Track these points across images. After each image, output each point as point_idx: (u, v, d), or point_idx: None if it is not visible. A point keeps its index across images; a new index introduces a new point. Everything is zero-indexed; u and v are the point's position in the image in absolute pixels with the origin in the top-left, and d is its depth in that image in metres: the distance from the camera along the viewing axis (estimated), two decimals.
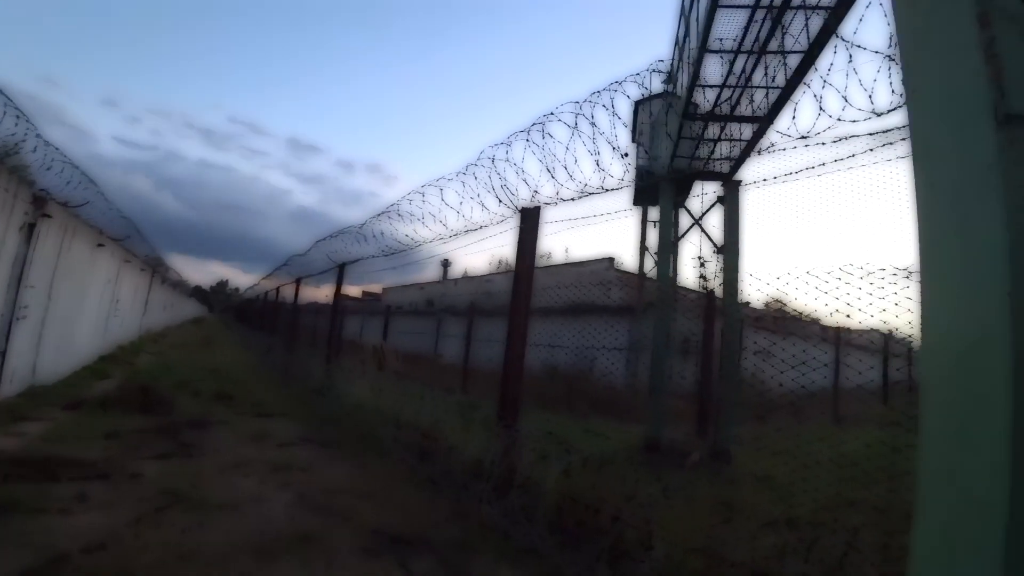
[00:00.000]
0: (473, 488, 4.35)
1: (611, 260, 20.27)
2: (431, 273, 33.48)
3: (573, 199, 4.98)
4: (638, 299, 14.76)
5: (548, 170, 4.73)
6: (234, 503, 4.22)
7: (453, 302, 28.20)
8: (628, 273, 19.89)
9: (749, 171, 7.23)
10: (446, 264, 32.60)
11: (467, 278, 30.84)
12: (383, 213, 7.17)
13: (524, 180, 4.74)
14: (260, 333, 23.42)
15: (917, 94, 1.05)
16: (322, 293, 16.56)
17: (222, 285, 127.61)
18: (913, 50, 1.08)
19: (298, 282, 14.94)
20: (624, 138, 5.00)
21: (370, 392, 7.35)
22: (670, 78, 7.12)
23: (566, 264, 22.83)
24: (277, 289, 19.74)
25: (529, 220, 4.60)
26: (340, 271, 10.34)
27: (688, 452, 6.54)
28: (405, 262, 9.08)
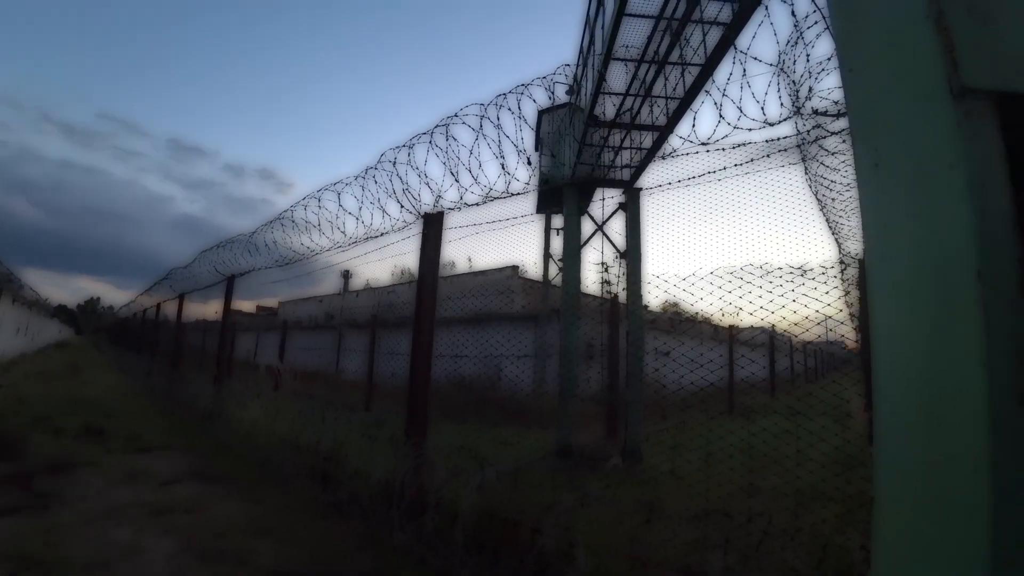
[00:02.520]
0: (383, 513, 4.06)
1: (515, 268, 20.43)
2: (331, 285, 32.08)
3: (478, 204, 4.86)
4: (543, 306, 14.94)
5: (452, 174, 4.57)
6: (103, 561, 3.63)
7: (355, 315, 27.17)
8: (532, 281, 20.15)
9: (650, 177, 7.49)
10: (347, 275, 31.40)
11: (369, 289, 29.84)
12: (276, 220, 6.65)
13: (427, 184, 4.55)
14: (139, 355, 21.22)
15: (855, 73, 1.00)
16: (210, 309, 15.28)
17: (92, 303, 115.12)
18: (849, 26, 1.03)
19: (181, 298, 13.65)
20: (529, 141, 4.97)
21: (265, 415, 6.76)
22: (573, 89, 7.23)
23: (470, 273, 22.77)
24: (158, 306, 17.98)
25: (432, 226, 4.41)
26: (229, 284, 9.52)
27: (601, 456, 6.60)
28: (302, 273, 8.53)
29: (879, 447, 0.90)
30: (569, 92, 7.16)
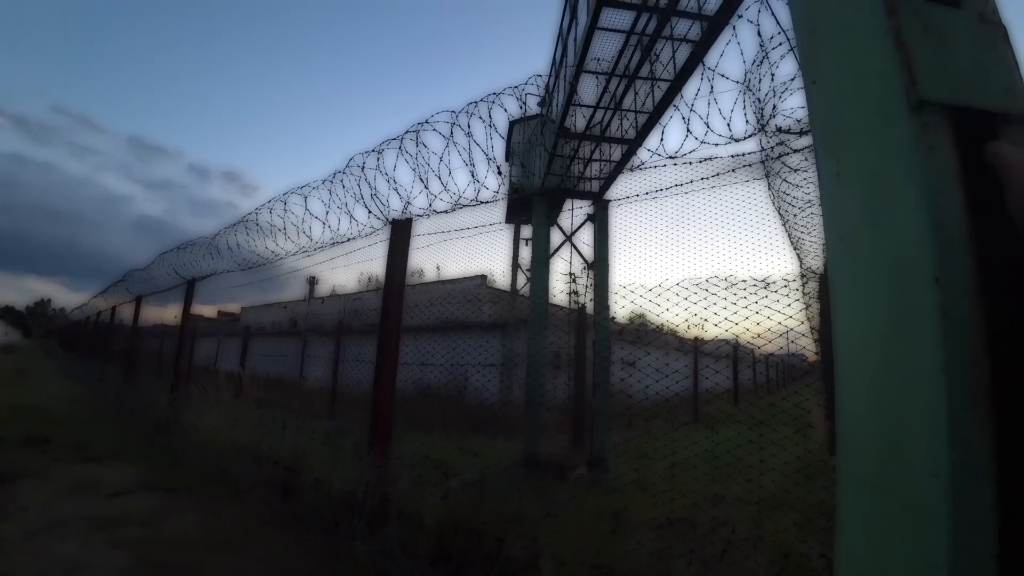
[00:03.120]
0: (344, 524, 3.96)
1: (483, 277, 20.42)
2: (296, 291, 31.50)
3: (447, 211, 4.83)
4: (510, 315, 14.95)
5: (422, 180, 4.54)
6: (47, 574, 3.44)
7: (320, 321, 26.71)
8: (500, 290, 20.15)
9: (619, 189, 7.59)
10: (312, 281, 30.85)
11: (335, 296, 29.39)
12: (240, 223, 6.48)
13: (396, 190, 4.50)
14: (91, 361, 20.38)
15: (818, 84, 1.03)
16: (169, 313, 14.81)
17: (42, 305, 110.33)
18: (812, 42, 1.06)
19: (138, 301, 13.19)
20: (500, 151, 4.98)
21: (224, 424, 6.55)
22: (545, 100, 7.29)
23: (438, 282, 22.66)
24: (113, 309, 17.33)
25: (401, 232, 4.36)
26: (189, 288, 9.23)
27: (566, 465, 6.59)
28: (266, 277, 8.34)
29: (841, 454, 0.91)
30: (541, 103, 7.23)
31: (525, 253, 15.03)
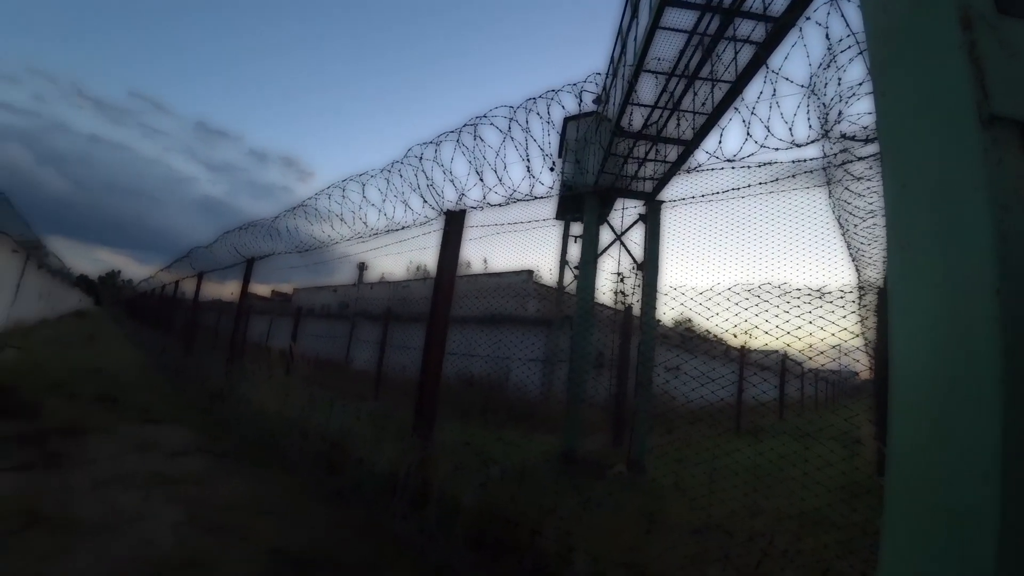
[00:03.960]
0: (385, 503, 4.10)
1: (531, 273, 20.48)
2: (346, 275, 32.36)
3: (501, 204, 4.90)
4: (556, 312, 14.96)
5: (477, 173, 4.62)
6: (110, 524, 3.71)
7: (368, 306, 27.37)
8: (547, 286, 20.16)
9: (673, 190, 7.50)
10: (362, 267, 31.63)
11: (384, 283, 30.05)
12: (299, 207, 6.74)
13: (452, 182, 4.60)
14: (155, 330, 21.56)
15: (887, 96, 1.03)
16: (227, 290, 15.49)
17: (112, 276, 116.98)
18: (884, 53, 1.06)
19: (200, 276, 13.87)
20: (555, 147, 5.00)
21: (275, 398, 6.85)
22: (602, 98, 7.26)
23: (485, 274, 22.87)
24: (176, 283, 18.26)
25: (454, 223, 4.45)
26: (248, 266, 9.65)
27: (604, 463, 6.60)
28: (319, 261, 8.63)
29: (892, 461, 0.92)
30: (597, 101, 7.20)
31: (574, 250, 15.00)
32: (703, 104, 5.47)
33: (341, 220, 5.71)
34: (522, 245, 6.62)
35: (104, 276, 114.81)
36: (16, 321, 19.51)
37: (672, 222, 7.52)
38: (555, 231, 15.46)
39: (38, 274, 22.98)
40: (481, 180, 4.69)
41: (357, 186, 5.32)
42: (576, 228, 15.31)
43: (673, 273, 8.63)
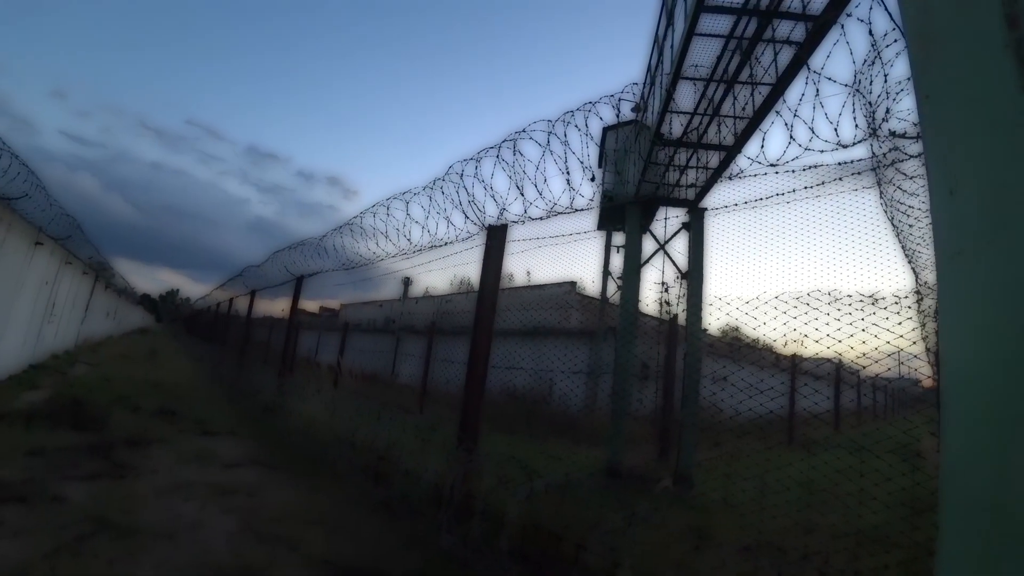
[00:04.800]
0: (431, 514, 4.15)
1: (572, 284, 20.38)
2: (390, 291, 32.96)
3: (542, 218, 4.92)
4: (599, 323, 14.83)
5: (518, 187, 4.66)
6: (170, 531, 3.89)
7: (413, 321, 27.78)
8: (589, 297, 20.01)
9: (716, 197, 7.38)
10: (407, 282, 32.12)
11: (428, 297, 30.49)
12: (345, 225, 6.95)
13: (492, 197, 4.66)
14: (210, 346, 22.48)
15: (931, 100, 1.00)
16: (277, 307, 16.04)
17: (171, 294, 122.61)
18: (926, 54, 1.03)
19: (252, 294, 14.40)
20: (594, 158, 4.99)
21: (324, 411, 7.04)
22: (640, 107, 7.23)
23: (527, 287, 22.90)
24: (230, 300, 19.01)
25: (496, 238, 4.50)
26: (298, 284, 9.98)
27: (651, 477, 6.48)
28: (364, 277, 8.84)
29: (945, 474, 0.89)
30: (635, 110, 7.16)
31: (616, 260, 14.89)
32: (743, 108, 5.37)
33: (386, 237, 5.85)
34: (564, 257, 6.62)
35: (164, 295, 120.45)
36: (86, 338, 20.69)
37: (716, 229, 7.39)
38: (597, 242, 15.39)
39: (105, 294, 24.33)
40: (522, 194, 4.73)
41: (401, 204, 5.45)
42: (619, 238, 15.19)
43: (719, 281, 8.47)
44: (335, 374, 12.69)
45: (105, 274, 22.26)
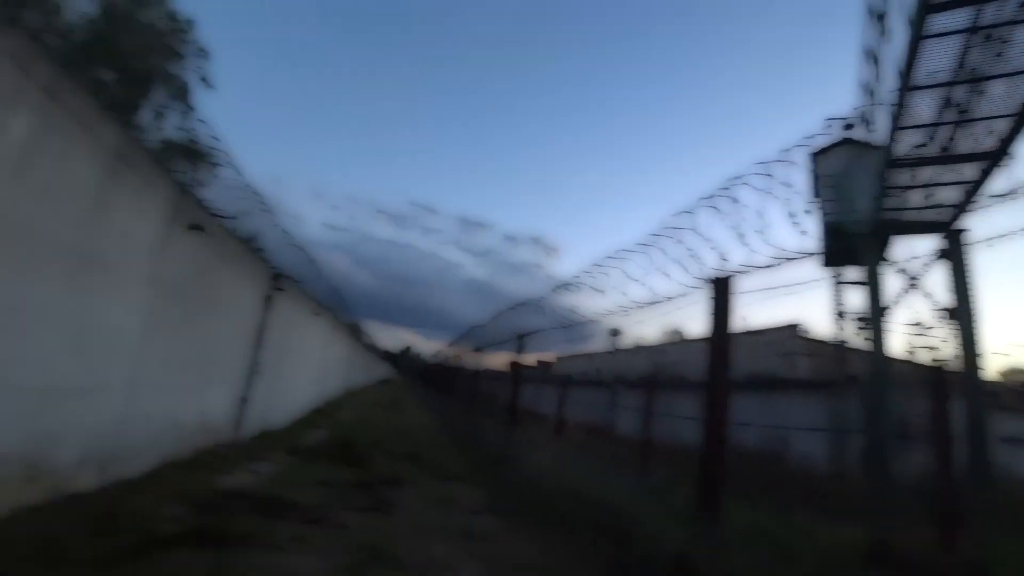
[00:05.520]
0: None
1: (794, 328, 18.35)
2: (599, 341, 33.20)
3: (768, 266, 4.62)
4: (838, 372, 13.00)
5: (739, 236, 4.48)
6: (426, 567, 4.31)
7: (624, 372, 27.50)
8: (816, 341, 17.77)
9: (981, 218, 6.18)
10: (615, 333, 32.14)
11: (638, 348, 30.05)
12: (564, 285, 7.33)
13: (712, 248, 4.54)
14: (441, 396, 24.90)
15: None
16: (499, 360, 17.29)
17: (407, 350, 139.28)
18: None
19: (479, 351, 15.73)
20: (805, 189, 4.58)
21: (551, 463, 7.28)
22: (858, 124, 6.46)
23: (743, 333, 21.23)
24: (458, 357, 21.00)
25: (721, 290, 4.34)
26: (520, 342, 10.66)
27: (932, 567, 5.33)
28: (580, 336, 9.09)
29: None
30: (850, 128, 6.40)
31: (850, 298, 13.18)
32: (1005, 105, 4.51)
33: (603, 295, 6.03)
34: (782, 298, 6.05)
35: (401, 350, 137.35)
36: (348, 387, 24.58)
37: (987, 256, 6.16)
38: (820, 280, 13.77)
39: (359, 351, 28.77)
40: (742, 242, 4.53)
41: (617, 262, 5.60)
42: (850, 274, 13.45)
43: (991, 318, 6.94)
44: (557, 426, 13.09)
45: (359, 334, 26.42)
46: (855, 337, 13.98)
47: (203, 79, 11.99)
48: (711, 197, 4.61)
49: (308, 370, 13.19)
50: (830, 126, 4.93)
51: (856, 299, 13.91)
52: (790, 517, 8.01)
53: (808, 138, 4.68)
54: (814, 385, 13.40)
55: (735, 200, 4.56)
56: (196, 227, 5.63)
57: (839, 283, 13.46)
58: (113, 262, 4.32)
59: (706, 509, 3.97)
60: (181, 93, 11.55)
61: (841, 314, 13.54)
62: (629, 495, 5.51)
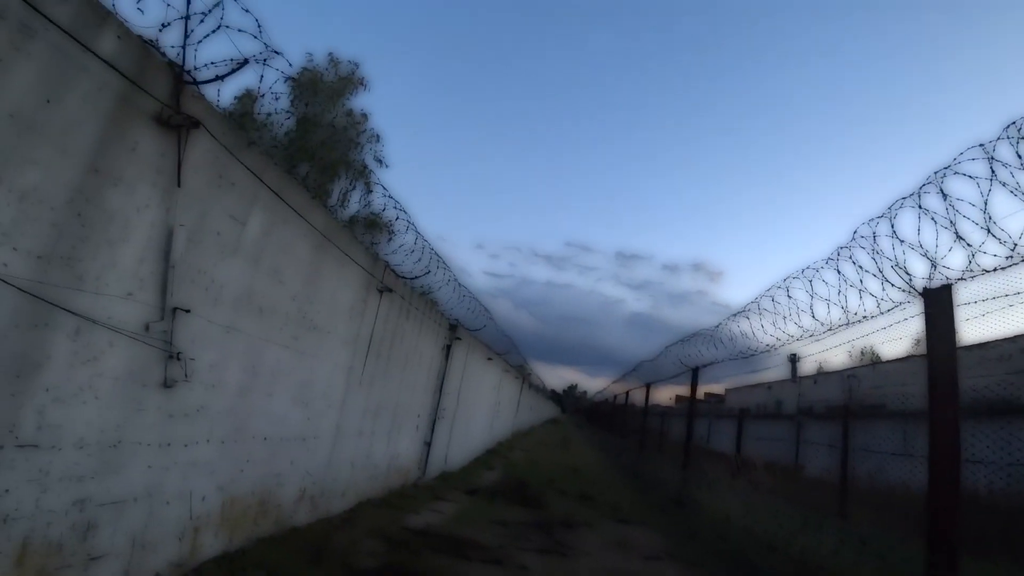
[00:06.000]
0: None
1: None
2: (775, 372, 29.95)
3: (1002, 268, 3.80)
4: None
5: (958, 236, 3.78)
6: None
7: (808, 403, 24.62)
8: None
9: None
10: (794, 359, 28.91)
11: (824, 374, 26.71)
12: (740, 312, 6.78)
13: (925, 255, 3.87)
14: (610, 435, 24.38)
15: None
16: (663, 395, 16.51)
17: (571, 388, 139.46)
18: None
19: (648, 387, 15.19)
20: None
21: (733, 506, 6.66)
22: None
23: (964, 347, 17.75)
24: (626, 394, 20.48)
25: (938, 303, 3.68)
26: (694, 375, 10.07)
27: None
28: (754, 364, 8.31)
29: None
30: None
31: None
32: None
33: (786, 320, 5.45)
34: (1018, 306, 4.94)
35: (566, 389, 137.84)
36: (517, 428, 25.15)
37: None
38: None
39: (527, 392, 29.41)
40: (961, 242, 3.79)
41: (803, 283, 5.02)
42: None
43: None
44: (735, 465, 12.05)
45: (527, 376, 27.06)
46: None
47: (378, 160, 13.80)
48: (911, 196, 3.95)
49: (482, 413, 13.79)
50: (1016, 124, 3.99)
51: None
52: None
53: (988, 143, 3.83)
54: None
55: (945, 196, 3.87)
56: (387, 289, 6.21)
57: None
58: (322, 325, 4.92)
59: (934, 571, 3.23)
60: (362, 174, 13.38)
61: None
62: (833, 548, 4.78)
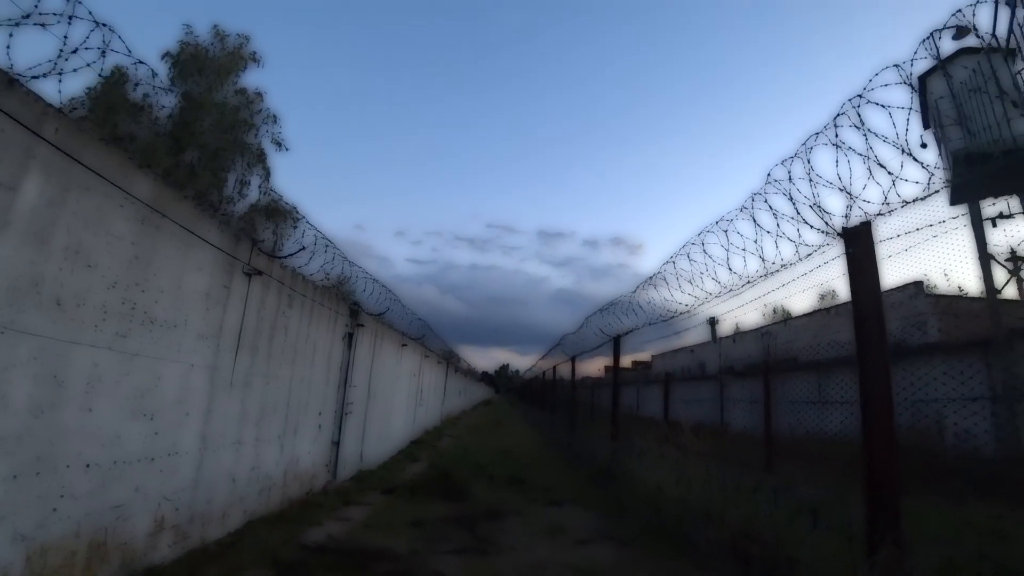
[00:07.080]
0: None
1: (918, 286, 15.94)
2: (696, 334, 30.99)
3: (881, 214, 3.56)
4: (994, 327, 10.98)
5: (870, 171, 3.50)
6: None
7: (728, 362, 25.57)
8: (947, 297, 15.40)
9: None
10: (713, 322, 29.91)
11: (741, 334, 27.84)
12: (656, 275, 6.46)
13: (843, 190, 3.55)
14: (541, 411, 24.27)
15: None
16: (593, 367, 16.41)
17: (503, 368, 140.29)
18: None
19: (573, 360, 14.97)
20: (916, 122, 3.37)
21: (664, 475, 6.37)
22: (968, 32, 5.15)
23: (843, 303, 18.91)
24: (553, 368, 20.32)
25: (859, 241, 3.39)
26: (616, 344, 9.82)
27: None
28: (676, 328, 8.13)
29: None
30: (958, 37, 5.07)
31: (995, 236, 11.37)
32: None
33: (702, 277, 5.12)
34: (899, 256, 4.79)
35: (498, 370, 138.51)
36: (447, 414, 24.50)
37: None
38: (949, 223, 11.87)
39: (455, 376, 28.78)
40: (872, 178, 3.53)
41: (717, 236, 4.67)
42: (990, 210, 11.58)
43: None
44: (663, 429, 12.04)
45: (453, 360, 26.41)
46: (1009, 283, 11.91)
47: (277, 142, 12.77)
48: (825, 130, 3.63)
49: (402, 403, 13.00)
50: (933, 38, 3.73)
51: (1005, 236, 11.86)
52: (968, 512, 6.61)
53: (905, 63, 3.57)
54: (962, 348, 11.43)
55: (862, 123, 3.57)
56: (256, 272, 5.37)
57: (979, 221, 11.55)
58: (165, 318, 4.05)
59: (881, 524, 2.92)
60: (259, 158, 12.38)
61: (988, 256, 11.57)
62: (758, 507, 4.52)
